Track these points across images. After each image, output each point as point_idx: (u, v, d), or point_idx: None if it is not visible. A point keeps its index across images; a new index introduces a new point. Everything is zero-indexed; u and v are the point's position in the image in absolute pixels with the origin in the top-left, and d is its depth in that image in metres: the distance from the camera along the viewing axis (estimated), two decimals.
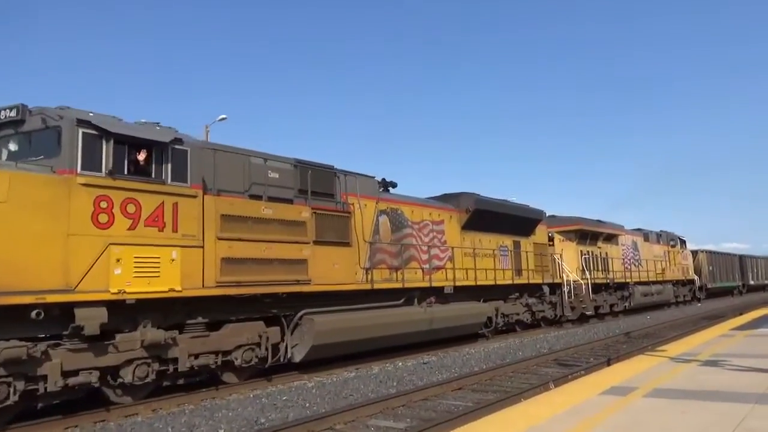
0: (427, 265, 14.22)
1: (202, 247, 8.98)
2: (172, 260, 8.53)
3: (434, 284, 13.97)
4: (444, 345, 14.66)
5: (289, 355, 10.71)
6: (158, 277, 8.33)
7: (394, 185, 14.90)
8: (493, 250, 16.66)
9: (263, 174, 10.46)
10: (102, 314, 7.67)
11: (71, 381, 7.50)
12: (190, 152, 9.02)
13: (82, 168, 7.72)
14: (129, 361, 8.21)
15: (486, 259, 16.37)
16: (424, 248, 14.29)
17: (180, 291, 8.57)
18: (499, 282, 16.44)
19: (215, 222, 9.18)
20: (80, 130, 7.75)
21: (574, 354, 13.85)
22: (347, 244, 11.66)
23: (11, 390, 6.99)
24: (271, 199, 10.46)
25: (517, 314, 17.69)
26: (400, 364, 12.44)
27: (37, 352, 7.19)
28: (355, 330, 11.47)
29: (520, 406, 6.61)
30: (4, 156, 8.04)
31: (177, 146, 8.85)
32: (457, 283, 14.70)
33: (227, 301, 9.52)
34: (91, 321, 7.54)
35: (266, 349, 10.02)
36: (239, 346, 9.66)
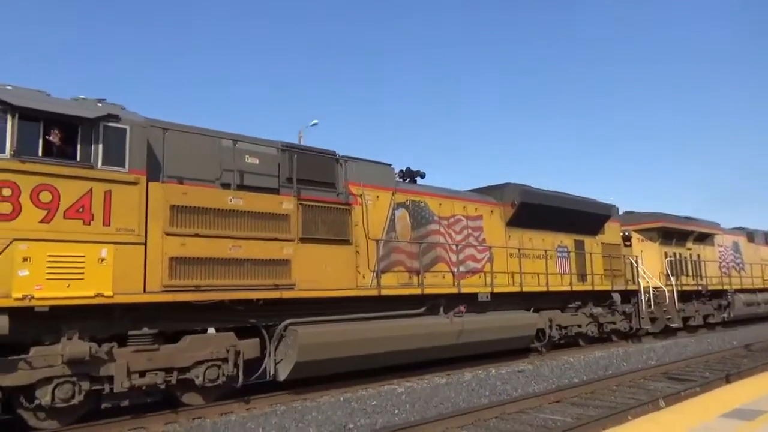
0: (458, 268, 12.10)
1: (145, 243, 7.52)
2: (102, 259, 7.11)
3: (464, 290, 11.80)
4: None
5: (272, 372, 9.07)
6: (82, 279, 6.93)
7: (421, 175, 12.94)
8: (546, 251, 14.16)
9: (238, 159, 8.89)
10: (1, 324, 6.36)
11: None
12: (130, 131, 7.59)
13: None
14: (48, 380, 6.87)
15: (537, 262, 13.93)
16: (455, 248, 12.17)
17: (111, 296, 7.13)
18: (553, 288, 13.93)
19: (163, 214, 7.70)
20: None
21: (686, 368, 12.42)
22: (345, 242, 9.83)
23: None
24: (248, 188, 8.88)
25: (579, 326, 15.02)
26: (494, 371, 11.68)
27: None
28: (352, 344, 9.61)
29: (627, 426, 6.06)
30: None
31: (111, 124, 7.45)
32: (496, 290, 12.43)
33: (186, 308, 8.03)
34: None
35: (235, 365, 8.39)
36: (200, 362, 8.11)
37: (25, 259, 6.58)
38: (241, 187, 8.84)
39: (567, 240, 15.07)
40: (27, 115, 6.78)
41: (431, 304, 11.31)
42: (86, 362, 7.07)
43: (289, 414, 8.09)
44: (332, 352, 9.35)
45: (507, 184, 13.96)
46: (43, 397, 6.84)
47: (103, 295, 7.06)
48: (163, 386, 7.74)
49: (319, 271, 9.31)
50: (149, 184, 7.68)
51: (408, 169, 12.76)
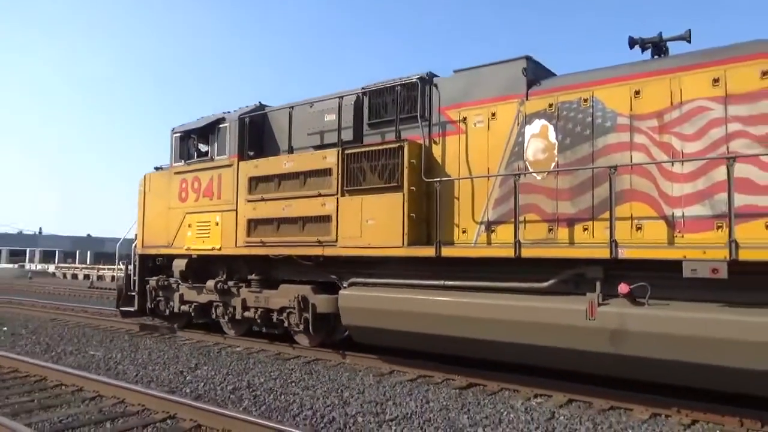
0: (683, 211, 6.14)
1: (236, 210, 9.80)
2: (217, 223, 10.11)
3: (626, 254, 5.90)
4: None
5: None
6: (208, 237, 10.23)
7: (685, 39, 7.18)
8: None
9: (316, 121, 9.28)
10: (181, 264, 10.69)
11: (182, 308, 10.95)
12: (229, 126, 10.06)
13: (174, 161, 11.01)
14: (212, 302, 10.54)
15: None
16: (683, 171, 6.19)
17: (219, 249, 10.01)
18: None
19: (245, 185, 9.67)
20: (174, 135, 11.05)
21: None
22: (393, 189, 7.78)
23: (162, 304, 11.40)
24: (328, 146, 9.11)
25: None
26: None
27: (174, 284, 11.20)
28: (401, 317, 7.59)
29: None
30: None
31: (221, 125, 10.20)
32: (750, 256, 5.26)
33: (283, 261, 9.53)
34: (177, 269, 10.80)
35: (303, 315, 9.00)
36: (283, 308, 9.38)
37: (189, 225, 10.60)
38: (322, 146, 9.17)
39: None
40: (188, 135, 10.74)
41: (571, 277, 6.56)
42: (226, 294, 10.21)
43: None
44: (375, 321, 7.92)
45: None
46: (214, 313, 10.57)
47: (215, 249, 10.06)
48: (258, 321, 9.69)
49: (360, 225, 8.11)
50: (239, 163, 9.85)
51: (634, 39, 7.26)
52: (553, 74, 7.85)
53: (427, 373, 7.83)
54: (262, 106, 10.31)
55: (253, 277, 9.90)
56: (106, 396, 6.54)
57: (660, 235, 6.22)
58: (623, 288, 6.01)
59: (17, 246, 69.02)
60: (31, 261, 62.01)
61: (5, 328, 12.05)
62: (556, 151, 7.03)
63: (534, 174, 7.11)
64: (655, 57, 7.15)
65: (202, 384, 7.28)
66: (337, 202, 8.41)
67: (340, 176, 8.40)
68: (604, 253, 6.09)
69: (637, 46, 7.25)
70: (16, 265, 56.01)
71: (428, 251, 7.44)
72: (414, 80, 8.26)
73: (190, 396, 6.64)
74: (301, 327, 9.13)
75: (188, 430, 5.50)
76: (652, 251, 5.94)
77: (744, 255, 5.33)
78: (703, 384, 5.85)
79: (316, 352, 9.15)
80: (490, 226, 7.45)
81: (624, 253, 5.98)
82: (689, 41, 7.00)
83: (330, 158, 8.57)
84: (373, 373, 8.00)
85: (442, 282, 7.52)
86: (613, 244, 6.02)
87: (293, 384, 7.33)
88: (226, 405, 6.27)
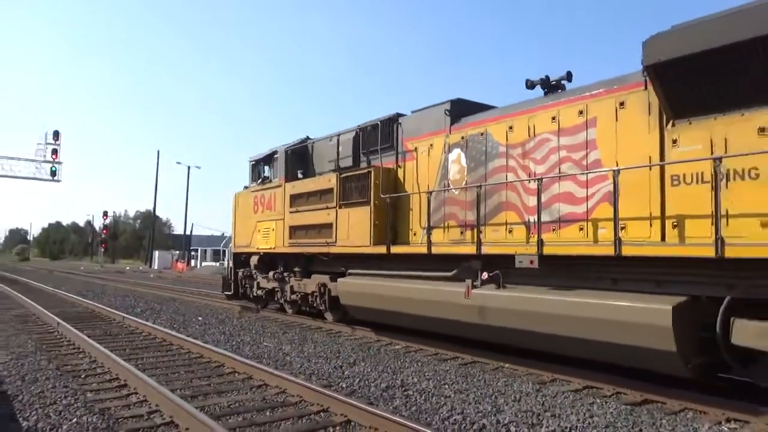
0: (534, 217, 8.14)
1: (283, 219, 13.19)
2: (273, 229, 13.61)
3: (487, 250, 8.00)
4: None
5: None
6: (269, 239, 13.77)
7: (566, 80, 9.06)
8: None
9: (332, 151, 12.32)
10: (255, 260, 14.41)
11: (258, 293, 14.65)
12: (279, 156, 13.50)
13: (251, 182, 14.78)
14: (274, 288, 14.05)
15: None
16: (535, 185, 8.18)
17: (274, 248, 13.48)
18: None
19: (288, 201, 13.01)
20: (250, 163, 14.81)
21: None
22: (365, 203, 10.48)
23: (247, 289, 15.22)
24: (339, 169, 12.10)
25: None
26: None
27: (254, 275, 14.97)
28: (371, 298, 10.26)
29: None
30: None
31: (275, 155, 13.68)
32: (557, 250, 7.14)
33: (312, 257, 12.68)
34: (252, 263, 14.54)
35: (321, 299, 12.06)
36: (313, 292, 12.52)
37: (259, 231, 14.25)
38: (336, 170, 12.18)
39: None
40: (257, 162, 14.40)
41: (463, 267, 8.78)
42: (282, 281, 13.64)
43: None
44: (359, 300, 10.68)
45: (656, 35, 6.55)
46: (276, 296, 14.06)
47: (272, 248, 13.56)
48: (299, 302, 12.93)
49: (348, 230, 10.95)
50: (285, 185, 13.21)
51: (528, 80, 9.18)
52: (488, 107, 9.91)
53: (595, 384, 7.10)
54: (306, 139, 13.59)
55: (296, 269, 13.21)
56: (271, 385, 6.78)
57: (522, 237, 8.20)
58: (484, 275, 8.15)
59: (220, 247, 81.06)
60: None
61: (200, 318, 13.83)
62: (466, 173, 9.23)
63: (453, 189, 9.39)
64: (549, 93, 8.99)
65: (358, 380, 7.31)
66: (336, 213, 11.34)
67: (338, 194, 11.32)
68: (472, 250, 8.29)
69: (538, 87, 9.15)
70: (217, 263, 66.28)
71: (383, 249, 10.06)
72: (384, 119, 10.91)
73: (345, 391, 6.69)
74: (323, 306, 12.21)
75: (338, 424, 5.47)
76: (499, 248, 8.02)
77: (546, 250, 7.27)
78: (539, 347, 7.77)
79: (473, 356, 8.83)
80: (429, 231, 9.82)
81: (484, 250, 8.13)
82: (570, 81, 8.77)
83: (332, 180, 11.54)
84: (533, 380, 7.48)
85: (394, 272, 10.08)
86: (479, 242, 8.20)
87: (446, 386, 7.06)
88: (377, 403, 6.20)
